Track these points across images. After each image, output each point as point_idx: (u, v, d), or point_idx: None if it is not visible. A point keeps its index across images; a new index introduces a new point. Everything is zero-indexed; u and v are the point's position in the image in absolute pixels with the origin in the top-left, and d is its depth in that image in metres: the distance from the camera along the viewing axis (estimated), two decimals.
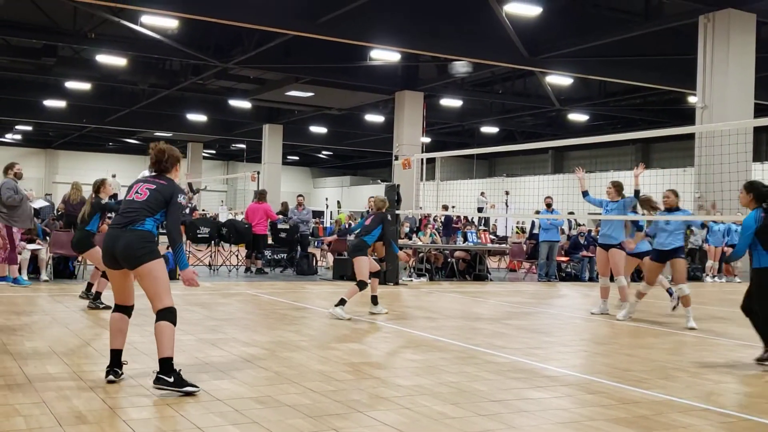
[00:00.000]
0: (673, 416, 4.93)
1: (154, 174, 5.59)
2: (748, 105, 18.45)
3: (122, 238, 5.23)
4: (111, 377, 5.34)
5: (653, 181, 25.23)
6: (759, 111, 20.01)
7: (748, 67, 18.48)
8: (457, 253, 17.55)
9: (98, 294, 9.61)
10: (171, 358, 5.15)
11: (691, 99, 23.32)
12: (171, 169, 5.59)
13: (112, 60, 24.36)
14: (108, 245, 5.32)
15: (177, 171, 5.63)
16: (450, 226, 23.36)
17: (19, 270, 12.39)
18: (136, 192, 5.38)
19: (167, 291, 5.30)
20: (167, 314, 5.25)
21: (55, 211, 17.79)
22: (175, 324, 5.27)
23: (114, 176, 29.91)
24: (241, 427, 4.36)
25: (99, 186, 9.94)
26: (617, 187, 11.18)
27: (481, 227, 25.87)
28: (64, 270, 13.59)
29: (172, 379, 5.10)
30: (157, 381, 5.09)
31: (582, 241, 18.59)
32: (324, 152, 53.49)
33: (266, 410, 4.76)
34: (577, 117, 33.69)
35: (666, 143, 37.66)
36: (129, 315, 5.55)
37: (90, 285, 10.15)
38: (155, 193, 5.34)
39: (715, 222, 18.28)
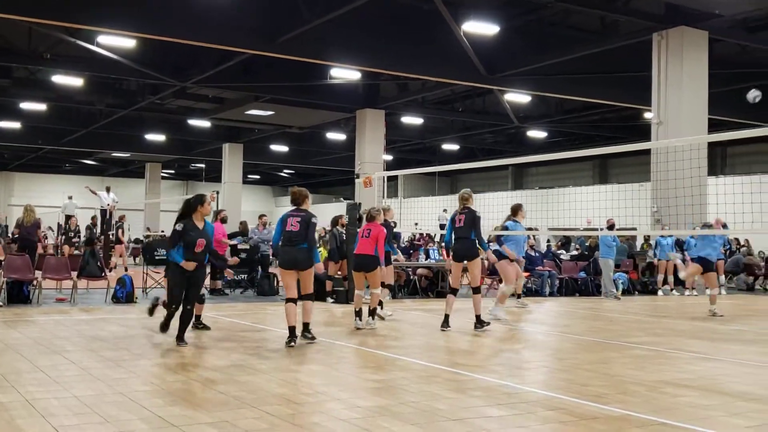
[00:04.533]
0: (631, 431, 4.96)
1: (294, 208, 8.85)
2: (702, 120, 18.84)
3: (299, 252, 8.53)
4: (292, 344, 8.34)
5: (612, 197, 25.66)
6: (712, 126, 20.43)
7: (701, 84, 18.89)
8: (419, 271, 17.56)
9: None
10: (309, 323, 8.70)
11: (647, 115, 23.75)
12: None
13: (68, 80, 24.09)
14: (290, 257, 8.53)
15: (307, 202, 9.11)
16: (411, 243, 23.39)
17: None
18: (291, 225, 8.61)
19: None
20: (311, 296, 8.76)
21: (9, 234, 17.48)
22: (313, 301, 8.88)
23: (71, 198, 29.45)
24: None
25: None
26: None
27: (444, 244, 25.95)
28: (18, 294, 13.28)
29: (311, 335, 8.66)
30: (303, 336, 8.59)
31: (533, 253, 18.35)
32: (286, 171, 53.34)
33: None
34: (536, 134, 34.09)
35: (623, 159, 38.25)
36: (296, 303, 8.63)
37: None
38: (303, 222, 8.61)
39: (663, 236, 18.56)
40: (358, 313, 10.41)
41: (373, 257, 10.22)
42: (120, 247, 23.12)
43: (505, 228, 13.19)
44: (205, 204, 8.73)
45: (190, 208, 8.74)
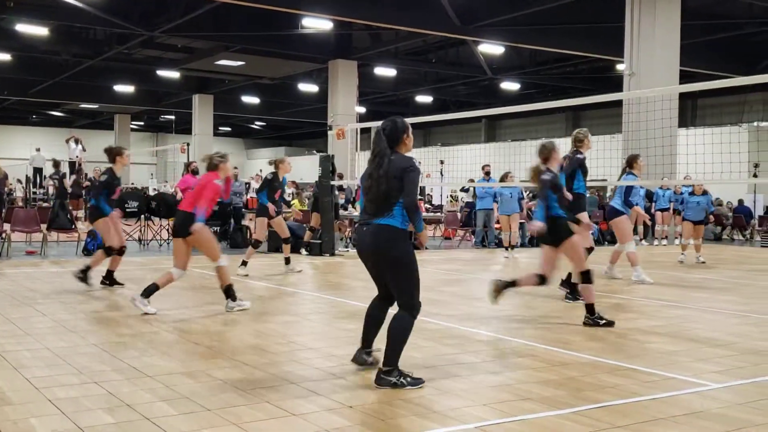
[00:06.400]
0: (601, 377, 5.06)
1: None
2: (673, 72, 18.88)
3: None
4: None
5: None
6: (684, 78, 20.47)
7: (673, 35, 18.88)
8: None
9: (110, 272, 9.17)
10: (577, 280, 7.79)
11: (620, 66, 23.73)
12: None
13: (32, 29, 23.48)
14: None
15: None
16: None
17: None
18: None
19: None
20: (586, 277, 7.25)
21: None
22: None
23: (38, 150, 29.00)
24: (172, 403, 4.28)
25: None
26: None
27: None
28: None
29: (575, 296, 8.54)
30: (568, 297, 8.78)
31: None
32: (257, 123, 52.79)
33: (198, 385, 4.69)
34: (509, 86, 33.96)
35: (596, 111, 38.30)
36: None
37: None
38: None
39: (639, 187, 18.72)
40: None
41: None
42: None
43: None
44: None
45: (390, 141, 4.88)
